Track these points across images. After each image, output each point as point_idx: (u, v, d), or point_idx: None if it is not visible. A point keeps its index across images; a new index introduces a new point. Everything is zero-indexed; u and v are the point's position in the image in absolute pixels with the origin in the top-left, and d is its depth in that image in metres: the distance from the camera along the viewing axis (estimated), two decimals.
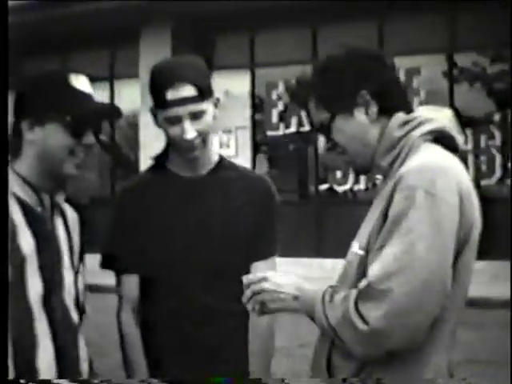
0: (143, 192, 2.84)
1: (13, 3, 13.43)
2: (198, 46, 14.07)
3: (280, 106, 14.26)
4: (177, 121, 2.67)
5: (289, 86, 14.11)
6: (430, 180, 2.05)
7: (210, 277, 2.74)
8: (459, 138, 2.26)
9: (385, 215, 2.11)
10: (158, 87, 2.70)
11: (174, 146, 2.77)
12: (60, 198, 2.49)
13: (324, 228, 13.24)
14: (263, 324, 2.80)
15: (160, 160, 2.88)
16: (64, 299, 2.40)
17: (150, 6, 13.58)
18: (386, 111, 2.26)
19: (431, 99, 12.53)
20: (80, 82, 2.40)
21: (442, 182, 2.06)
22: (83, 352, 2.47)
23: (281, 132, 14.30)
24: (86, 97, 2.40)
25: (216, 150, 2.92)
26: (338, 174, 13.58)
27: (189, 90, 2.66)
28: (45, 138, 2.34)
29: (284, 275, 2.28)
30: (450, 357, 2.18)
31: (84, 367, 2.46)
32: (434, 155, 2.16)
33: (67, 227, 2.50)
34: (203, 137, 2.71)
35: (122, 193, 2.94)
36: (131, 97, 15.21)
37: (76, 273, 2.49)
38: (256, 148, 14.46)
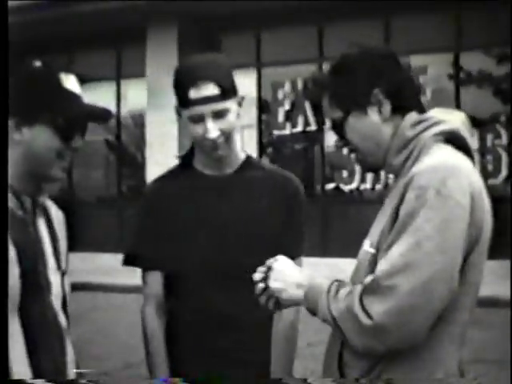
0: (169, 190, 2.84)
1: (18, 3, 13.48)
2: (204, 46, 14.07)
3: (286, 106, 14.25)
4: (200, 120, 2.67)
5: (295, 86, 14.11)
6: (441, 180, 2.06)
7: (234, 276, 2.73)
8: (471, 141, 2.26)
9: (396, 214, 2.12)
10: (181, 86, 2.70)
11: (199, 145, 2.77)
12: (42, 199, 2.42)
13: (330, 227, 13.24)
14: (286, 324, 2.81)
15: (186, 159, 2.88)
16: (52, 303, 2.35)
17: (156, 5, 13.58)
18: (399, 110, 2.28)
19: (437, 98, 12.53)
20: (70, 82, 2.33)
21: (454, 182, 2.07)
22: (70, 355, 2.41)
23: (287, 131, 14.28)
24: (76, 98, 2.33)
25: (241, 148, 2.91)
26: (345, 173, 13.57)
27: (211, 89, 2.65)
28: (33, 139, 2.27)
29: (290, 264, 2.30)
30: (461, 356, 2.19)
31: (71, 371, 2.41)
32: (446, 155, 2.17)
33: (51, 228, 2.44)
34: (227, 136, 2.71)
35: (148, 191, 2.92)
36: (137, 96, 15.23)
37: (63, 274, 2.44)
38: (262, 147, 14.46)
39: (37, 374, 2.26)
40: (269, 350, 2.80)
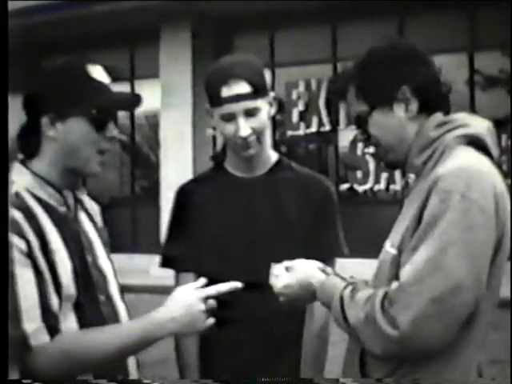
0: (201, 193, 2.85)
1: (33, 4, 13.52)
2: (217, 46, 14.08)
3: (300, 106, 14.23)
4: (231, 118, 2.68)
5: (309, 86, 14.09)
6: (466, 184, 2.04)
7: (266, 279, 2.72)
8: (494, 147, 2.23)
9: (419, 216, 2.10)
10: (213, 86, 2.70)
11: (230, 145, 2.78)
12: (81, 193, 2.44)
13: (344, 228, 13.15)
14: (318, 325, 2.80)
15: (218, 160, 2.89)
16: (111, 294, 2.36)
17: (169, 5, 13.59)
18: (425, 109, 2.25)
19: (452, 98, 12.47)
20: (98, 73, 2.33)
21: (478, 186, 2.05)
22: None
23: (301, 132, 14.27)
24: (105, 87, 2.33)
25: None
26: (359, 173, 13.54)
27: (243, 87, 2.66)
28: (67, 134, 2.27)
29: (306, 264, 2.34)
30: (481, 357, 2.18)
31: (131, 368, 2.39)
32: (470, 158, 2.14)
33: (92, 219, 2.47)
34: (258, 135, 2.71)
35: (180, 193, 2.92)
36: (151, 97, 15.22)
37: (112, 262, 2.46)
38: (276, 148, 14.46)
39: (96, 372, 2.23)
40: (300, 351, 2.80)
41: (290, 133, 14.42)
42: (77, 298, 2.23)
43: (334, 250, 2.87)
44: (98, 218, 2.55)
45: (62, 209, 2.31)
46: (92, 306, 2.28)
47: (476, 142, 2.20)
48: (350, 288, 2.15)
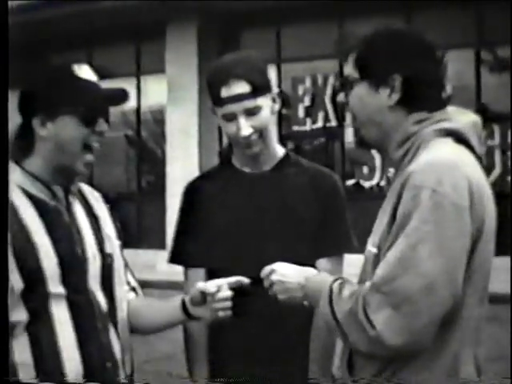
0: (209, 188, 2.86)
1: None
2: (223, 42, 14.08)
3: (306, 101, 14.22)
4: (232, 118, 2.69)
5: (315, 81, 14.08)
6: (437, 178, 2.00)
7: None
8: (476, 142, 2.18)
9: (394, 214, 2.08)
10: (213, 86, 2.72)
11: (234, 143, 2.79)
12: (75, 186, 2.50)
13: (351, 223, 13.14)
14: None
15: (225, 156, 2.90)
16: (89, 286, 2.41)
17: (175, 1, 13.59)
18: (407, 105, 2.21)
19: (458, 94, 12.46)
20: (84, 72, 2.42)
21: (450, 180, 2.00)
22: (114, 340, 2.46)
23: (307, 127, 14.27)
24: (92, 85, 2.42)
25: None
26: (365, 169, 13.54)
27: (242, 87, 2.67)
28: (57, 132, 2.36)
29: (292, 265, 2.31)
30: (477, 353, 2.14)
31: (117, 350, 2.46)
32: (445, 151, 2.10)
33: (91, 210, 2.53)
34: (260, 133, 2.72)
35: (188, 189, 2.93)
36: (157, 92, 15.25)
37: (107, 255, 2.50)
38: (282, 143, 14.44)
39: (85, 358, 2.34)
40: (308, 349, 2.79)
41: (296, 128, 14.41)
42: (67, 289, 2.33)
43: (342, 245, 2.86)
44: (101, 205, 2.61)
45: (52, 203, 2.39)
46: (79, 298, 2.37)
47: (458, 136, 2.15)
48: (339, 281, 2.14)
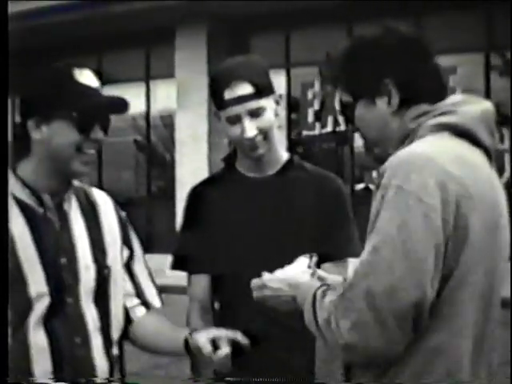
0: (212, 194, 2.86)
1: (49, 4, 13.56)
2: (233, 46, 14.08)
3: (316, 106, 14.22)
4: (236, 120, 2.69)
5: (325, 86, 14.07)
6: (404, 175, 1.88)
7: None
8: (484, 134, 2.05)
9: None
10: (216, 89, 2.73)
11: (238, 147, 2.79)
12: (69, 194, 2.43)
13: (359, 227, 13.12)
14: None
15: (229, 161, 2.89)
16: (79, 300, 2.36)
17: (185, 5, 13.60)
18: (409, 103, 2.09)
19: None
20: (85, 77, 2.35)
21: (418, 176, 1.87)
22: (98, 353, 2.40)
23: (317, 131, 14.26)
24: (91, 91, 2.34)
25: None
26: (374, 173, 13.52)
27: (245, 88, 2.67)
28: (51, 136, 2.31)
29: (282, 275, 2.26)
30: (489, 360, 2.04)
31: (100, 365, 2.40)
32: (421, 146, 1.97)
33: (93, 220, 2.47)
34: (265, 134, 2.72)
35: (192, 194, 2.93)
36: (167, 97, 15.26)
37: (103, 267, 2.43)
38: (292, 147, 14.44)
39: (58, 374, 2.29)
40: (314, 352, 2.76)
41: (305, 133, 14.41)
42: (50, 296, 2.28)
43: (345, 249, 2.84)
44: (111, 214, 2.54)
45: (40, 210, 2.34)
46: (57, 306, 2.31)
47: (457, 130, 2.02)
48: (322, 288, 2.04)
